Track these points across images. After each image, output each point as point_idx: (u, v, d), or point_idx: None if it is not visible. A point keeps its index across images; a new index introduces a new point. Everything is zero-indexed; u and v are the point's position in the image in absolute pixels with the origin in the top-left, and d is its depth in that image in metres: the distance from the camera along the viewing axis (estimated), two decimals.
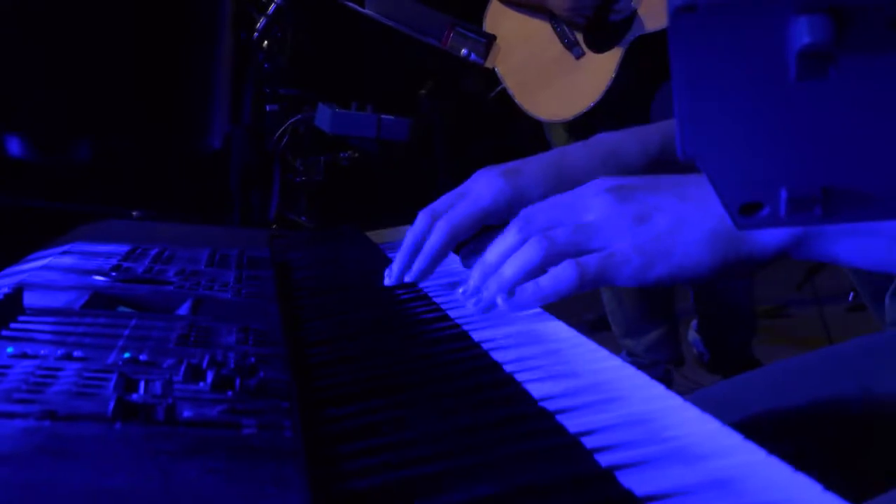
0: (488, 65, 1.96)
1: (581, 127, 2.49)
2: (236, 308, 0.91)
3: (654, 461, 0.49)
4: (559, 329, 0.76)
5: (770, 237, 0.76)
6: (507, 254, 0.84)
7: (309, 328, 0.84)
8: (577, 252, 0.81)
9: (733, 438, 0.51)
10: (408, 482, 0.49)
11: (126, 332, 0.78)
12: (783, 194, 0.46)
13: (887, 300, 1.98)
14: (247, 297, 0.96)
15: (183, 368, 0.65)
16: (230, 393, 0.63)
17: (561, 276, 0.80)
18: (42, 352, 0.70)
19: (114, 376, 0.62)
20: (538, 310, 0.83)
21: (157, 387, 0.62)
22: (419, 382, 0.65)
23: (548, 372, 0.63)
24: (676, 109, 0.45)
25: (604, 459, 0.50)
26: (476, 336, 0.76)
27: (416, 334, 0.79)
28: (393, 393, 0.63)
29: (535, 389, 0.60)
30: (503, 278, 0.83)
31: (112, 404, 0.57)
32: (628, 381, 0.62)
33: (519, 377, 0.63)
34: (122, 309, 0.91)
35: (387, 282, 1.01)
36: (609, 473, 0.47)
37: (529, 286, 0.81)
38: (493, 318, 0.83)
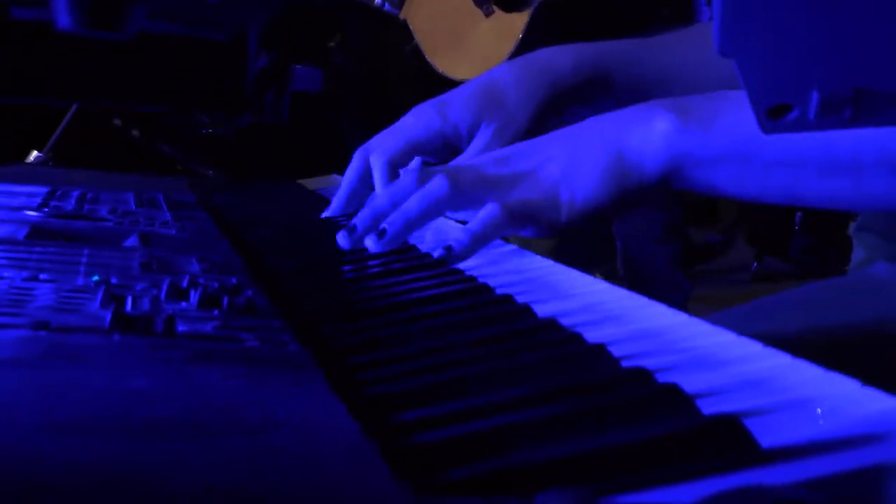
0: (402, 16, 1.93)
1: None
2: (185, 243, 0.89)
3: (678, 368, 0.49)
4: (535, 260, 0.75)
5: (652, 162, 0.79)
6: (393, 199, 0.84)
7: (270, 261, 0.83)
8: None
9: (754, 346, 0.51)
10: (436, 387, 0.48)
11: (83, 260, 0.75)
12: (815, 96, 0.47)
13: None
14: (192, 234, 0.94)
15: (165, 287, 0.64)
16: (216, 311, 0.61)
17: (429, 190, 0.79)
18: (4, 274, 0.68)
19: (99, 293, 0.60)
20: (508, 245, 0.83)
21: (146, 303, 0.60)
22: (408, 304, 0.64)
23: (537, 296, 0.63)
24: (716, 5, 0.45)
25: (641, 363, 0.50)
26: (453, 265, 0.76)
27: (385, 263, 0.78)
28: (384, 314, 0.63)
29: (536, 310, 0.60)
30: (375, 209, 0.82)
31: (109, 316, 0.55)
32: (624, 301, 0.62)
33: (512, 299, 0.62)
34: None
35: (330, 213, 1.03)
36: (643, 372, 0.47)
37: (397, 212, 0.80)
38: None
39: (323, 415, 0.44)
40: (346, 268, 0.77)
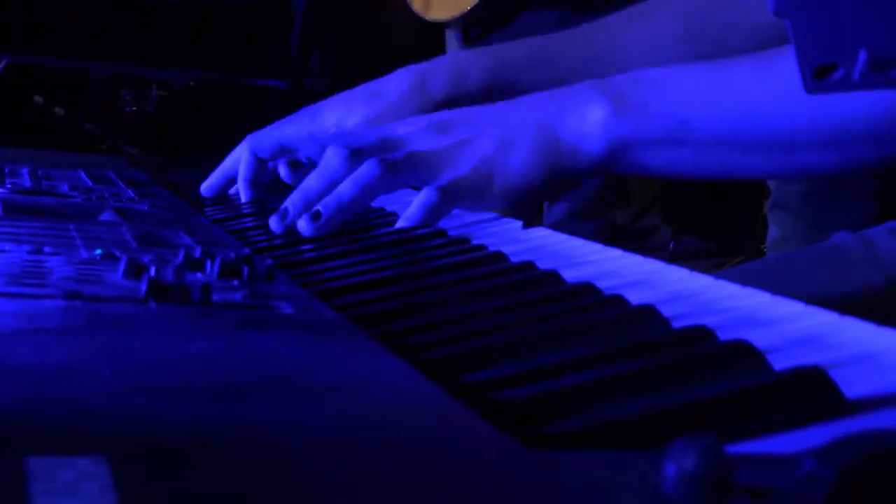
0: None
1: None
2: (163, 218, 0.88)
3: (725, 327, 0.49)
4: (532, 229, 0.76)
5: (590, 147, 0.80)
6: (324, 181, 0.83)
7: (254, 235, 0.82)
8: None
9: (795, 305, 0.52)
10: (496, 348, 0.48)
11: (74, 234, 0.74)
12: (862, 55, 0.48)
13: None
14: (165, 210, 0.92)
15: (181, 257, 0.63)
16: (236, 281, 0.61)
17: (361, 173, 0.79)
18: (4, 247, 0.66)
19: (121, 264, 0.59)
20: (490, 214, 0.84)
21: (170, 273, 0.59)
22: (426, 272, 0.64)
23: (552, 263, 0.63)
24: None
25: (681, 324, 0.51)
26: (455, 234, 0.76)
27: (379, 236, 0.78)
28: (404, 281, 0.63)
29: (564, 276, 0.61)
30: (306, 190, 0.81)
31: (144, 286, 0.55)
32: (641, 266, 0.63)
33: (534, 265, 0.63)
34: None
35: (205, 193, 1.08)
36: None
37: (330, 196, 0.79)
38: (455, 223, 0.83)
39: (398, 376, 0.44)
40: (338, 240, 0.76)
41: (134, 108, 1.83)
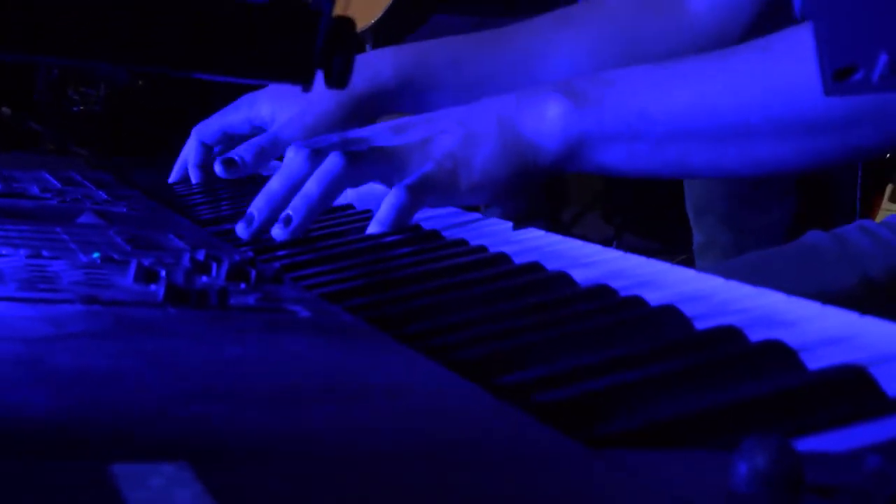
0: None
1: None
2: (145, 219, 0.87)
3: (746, 328, 0.50)
4: (529, 232, 0.76)
5: (549, 143, 0.82)
6: (287, 184, 0.82)
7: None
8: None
9: (812, 305, 0.53)
10: (526, 350, 0.49)
11: (65, 238, 0.73)
12: (882, 57, 0.49)
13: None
14: (144, 211, 0.92)
15: (186, 261, 0.62)
16: (243, 285, 0.60)
17: (326, 168, 0.79)
18: (2, 251, 0.65)
19: (131, 268, 0.59)
20: (474, 214, 0.84)
21: (180, 276, 0.59)
22: (433, 274, 0.64)
23: (556, 264, 0.64)
24: None
25: (704, 325, 0.51)
26: (448, 234, 0.76)
27: (365, 238, 0.78)
28: (411, 284, 0.63)
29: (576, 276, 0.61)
30: (270, 193, 0.80)
31: (161, 290, 0.54)
32: (647, 266, 0.63)
33: (542, 266, 0.63)
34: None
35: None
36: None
37: (298, 198, 0.79)
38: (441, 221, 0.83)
39: (437, 379, 0.45)
40: (335, 241, 0.76)
41: (81, 108, 1.80)
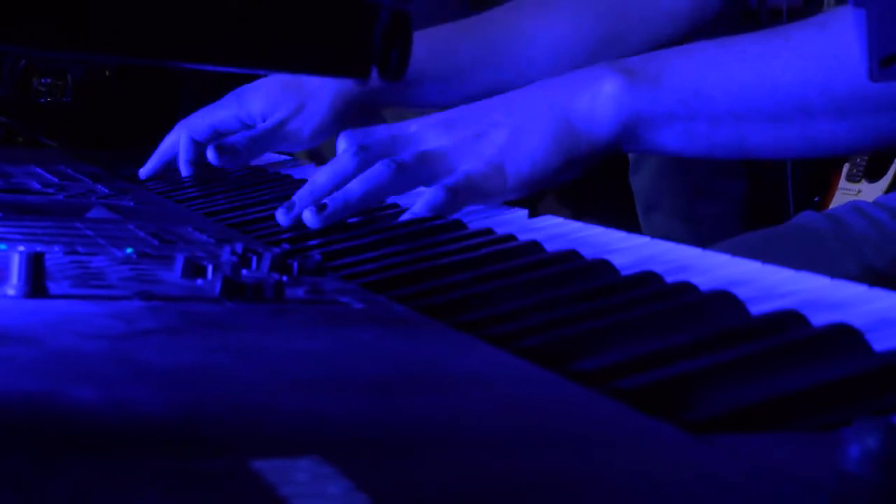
0: None
1: None
2: (155, 213, 0.87)
3: (800, 311, 0.51)
4: (546, 218, 0.77)
5: (602, 129, 0.81)
6: (335, 178, 0.83)
7: (258, 229, 0.82)
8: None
9: (857, 287, 0.54)
10: (590, 337, 0.50)
11: (88, 233, 0.73)
12: None
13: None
14: (153, 205, 0.92)
15: (227, 254, 0.63)
16: (285, 277, 0.61)
17: (371, 173, 0.79)
18: (36, 248, 0.65)
19: (178, 263, 0.59)
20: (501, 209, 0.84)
21: (227, 271, 0.59)
22: (471, 263, 0.65)
23: (588, 252, 0.65)
24: None
25: (755, 309, 0.53)
26: (472, 226, 0.77)
27: (391, 228, 0.78)
28: (452, 273, 0.63)
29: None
30: (314, 185, 0.81)
31: (219, 285, 0.55)
32: (680, 252, 0.64)
33: (579, 254, 0.64)
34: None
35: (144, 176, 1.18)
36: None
37: (338, 192, 0.80)
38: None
39: (512, 367, 0.45)
40: (361, 231, 0.77)
41: (49, 99, 1.79)
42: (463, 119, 0.84)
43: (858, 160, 2.79)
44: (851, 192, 2.79)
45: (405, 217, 0.79)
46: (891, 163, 2.69)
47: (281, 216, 0.80)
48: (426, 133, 0.83)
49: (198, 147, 1.17)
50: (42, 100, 1.79)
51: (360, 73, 0.52)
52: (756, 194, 2.23)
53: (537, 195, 2.54)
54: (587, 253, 0.64)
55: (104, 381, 0.39)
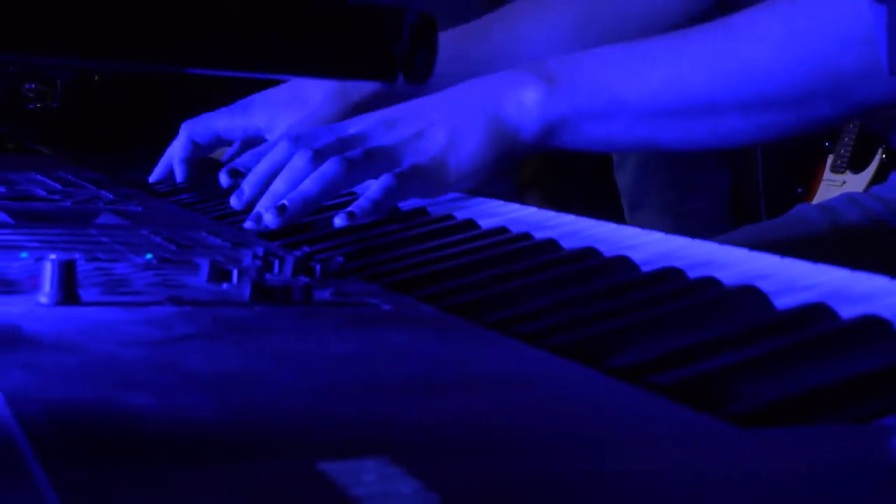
0: None
1: None
2: (165, 218, 0.87)
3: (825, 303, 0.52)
4: (563, 217, 0.78)
5: (527, 130, 0.86)
6: (275, 166, 0.87)
7: (272, 232, 0.82)
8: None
9: (879, 279, 0.55)
10: (607, 336, 0.50)
11: (103, 239, 0.73)
12: None
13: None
14: (161, 211, 0.92)
15: (248, 258, 0.63)
16: (308, 279, 0.61)
17: (323, 171, 0.83)
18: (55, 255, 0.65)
19: (204, 269, 0.59)
20: (510, 204, 0.85)
21: (253, 273, 0.59)
22: (488, 262, 0.65)
23: (603, 249, 0.65)
24: None
25: (779, 303, 0.53)
26: (484, 223, 0.77)
27: (403, 229, 0.79)
28: (469, 273, 0.64)
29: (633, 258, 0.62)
30: (274, 193, 0.84)
31: (248, 289, 0.55)
32: (698, 247, 0.65)
33: (598, 252, 0.65)
34: None
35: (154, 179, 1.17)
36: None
37: (295, 192, 0.83)
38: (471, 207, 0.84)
39: (551, 364, 0.46)
40: (373, 233, 0.77)
41: (38, 105, 1.78)
42: (403, 118, 0.88)
43: (843, 151, 2.80)
44: (836, 183, 2.81)
45: (358, 204, 0.80)
46: (875, 153, 2.71)
47: (249, 224, 0.83)
48: (370, 132, 0.88)
49: (196, 149, 1.17)
50: (31, 105, 1.78)
51: (387, 76, 0.52)
52: (739, 187, 2.24)
53: (524, 194, 2.55)
54: (604, 250, 0.65)
55: (155, 388, 0.39)
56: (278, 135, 1.11)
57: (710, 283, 0.56)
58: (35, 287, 0.54)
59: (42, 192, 0.97)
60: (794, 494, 0.32)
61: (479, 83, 0.89)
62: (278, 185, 0.85)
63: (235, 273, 0.59)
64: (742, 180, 2.27)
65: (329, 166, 0.83)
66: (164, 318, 0.50)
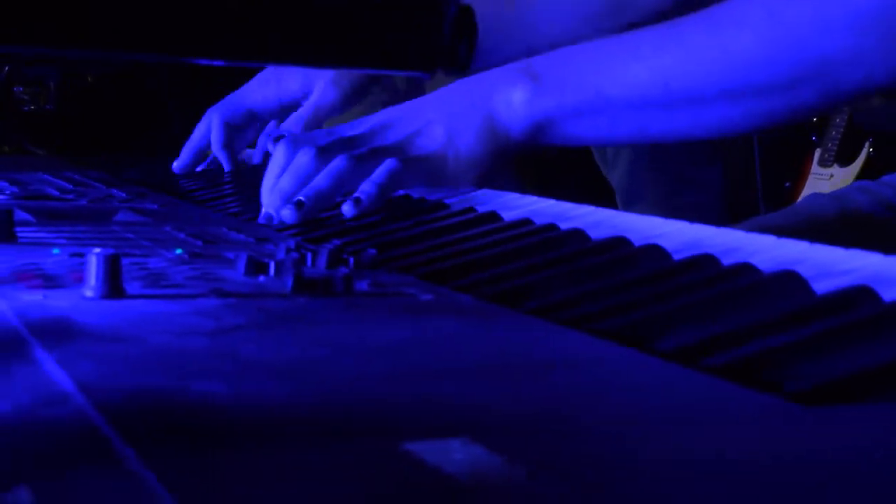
0: None
1: None
2: (182, 215, 0.88)
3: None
4: (583, 208, 0.78)
5: (517, 128, 0.88)
6: (282, 170, 0.88)
7: (293, 226, 0.83)
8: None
9: None
10: (651, 321, 0.50)
11: (128, 235, 0.74)
12: None
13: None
14: (175, 207, 0.92)
15: (282, 252, 0.63)
16: (344, 269, 0.62)
17: (333, 166, 0.85)
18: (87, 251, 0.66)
19: (240, 260, 0.59)
20: (518, 195, 0.86)
21: (289, 267, 0.60)
22: (517, 252, 0.66)
23: (634, 238, 0.66)
24: None
25: (818, 287, 0.54)
26: (505, 216, 0.78)
27: (426, 222, 0.79)
28: (500, 263, 0.64)
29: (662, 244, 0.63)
30: (281, 190, 0.86)
31: (290, 281, 0.55)
32: (724, 235, 0.65)
33: (629, 241, 0.65)
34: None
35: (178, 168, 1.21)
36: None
37: (308, 188, 0.85)
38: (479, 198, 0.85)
39: (604, 349, 0.46)
40: (395, 226, 0.77)
41: (32, 107, 1.78)
42: (401, 119, 0.90)
43: (830, 145, 2.82)
44: (824, 177, 2.82)
45: (363, 190, 0.83)
46: (862, 147, 2.73)
47: (263, 219, 0.86)
48: (370, 134, 0.89)
49: (231, 131, 1.17)
50: (25, 108, 1.78)
51: (427, 67, 0.53)
52: (729, 182, 2.25)
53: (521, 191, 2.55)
54: (633, 239, 0.65)
55: (222, 375, 0.40)
56: (316, 97, 1.12)
57: (747, 268, 0.56)
58: (78, 282, 0.55)
59: (55, 192, 0.97)
60: (861, 471, 0.33)
61: (470, 82, 0.90)
62: (285, 182, 0.86)
63: (273, 266, 0.59)
64: (734, 175, 2.28)
65: (338, 163, 0.85)
66: (213, 310, 0.51)
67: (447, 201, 0.86)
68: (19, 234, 0.69)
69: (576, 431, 0.36)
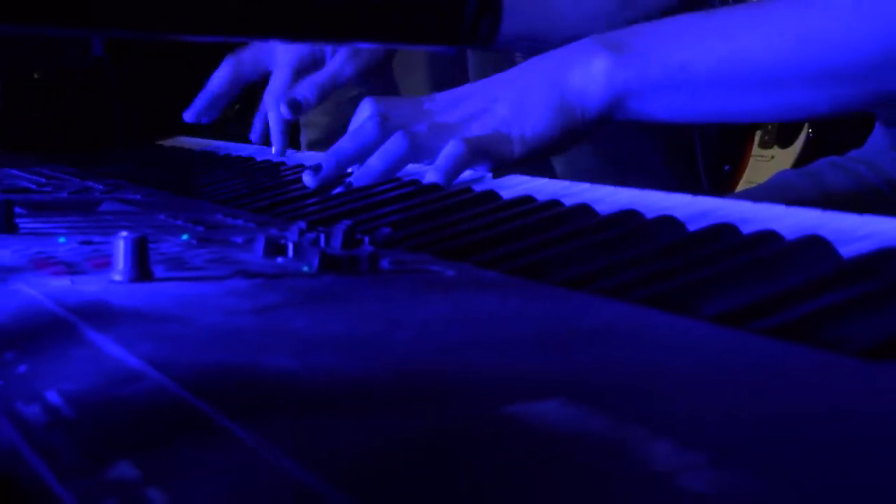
0: None
1: None
2: (167, 203, 0.87)
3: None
4: (578, 185, 0.78)
5: (594, 103, 0.86)
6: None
7: (287, 210, 0.82)
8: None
9: None
10: (677, 291, 0.50)
11: (126, 224, 0.73)
12: None
13: None
14: (162, 197, 0.91)
15: (295, 233, 0.63)
16: (369, 248, 0.61)
17: (390, 146, 0.86)
18: (95, 238, 0.65)
19: (259, 241, 0.59)
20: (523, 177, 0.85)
21: (308, 248, 0.59)
22: (532, 227, 0.66)
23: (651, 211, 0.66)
24: None
25: (845, 251, 0.54)
26: (506, 194, 0.77)
27: (428, 202, 0.79)
28: (518, 238, 0.64)
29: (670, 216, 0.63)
30: (339, 149, 0.88)
31: (316, 259, 0.55)
32: (734, 206, 0.66)
33: (641, 214, 0.65)
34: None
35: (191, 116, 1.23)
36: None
37: (362, 169, 0.86)
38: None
39: (651, 317, 0.46)
40: (400, 206, 0.77)
41: None
42: (469, 96, 0.89)
43: (769, 127, 2.85)
44: (765, 158, 2.85)
45: (431, 174, 0.82)
46: (801, 130, 2.76)
47: (309, 179, 0.87)
48: (438, 108, 0.88)
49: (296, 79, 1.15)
50: None
51: (451, 40, 0.52)
52: (671, 167, 2.27)
53: None
54: (643, 212, 0.65)
55: (286, 350, 0.39)
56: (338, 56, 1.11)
57: (771, 235, 0.57)
58: (98, 268, 0.54)
59: (32, 185, 0.95)
60: None
61: (545, 58, 0.88)
62: (344, 143, 0.88)
63: (291, 247, 0.59)
64: (676, 159, 2.29)
65: (395, 141, 0.85)
66: (246, 290, 0.50)
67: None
68: (19, 225, 0.68)
69: (653, 396, 0.36)
